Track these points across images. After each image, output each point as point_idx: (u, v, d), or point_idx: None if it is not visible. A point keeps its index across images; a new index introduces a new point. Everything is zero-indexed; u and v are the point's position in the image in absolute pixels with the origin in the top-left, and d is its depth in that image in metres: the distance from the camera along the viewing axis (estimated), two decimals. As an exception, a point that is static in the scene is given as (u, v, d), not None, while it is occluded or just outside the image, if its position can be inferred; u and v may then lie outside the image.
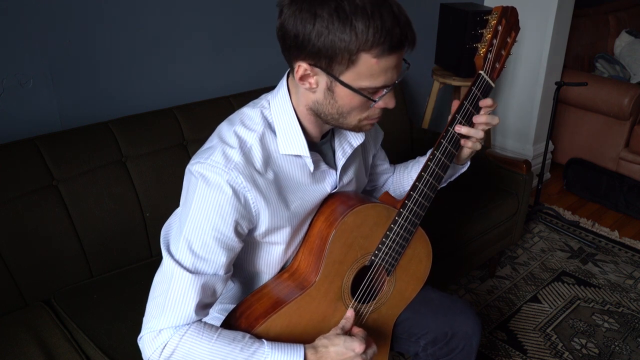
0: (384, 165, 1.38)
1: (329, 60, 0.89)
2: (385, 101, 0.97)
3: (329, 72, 0.91)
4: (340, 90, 0.93)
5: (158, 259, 1.64)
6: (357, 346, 0.96)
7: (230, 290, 1.19)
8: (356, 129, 1.02)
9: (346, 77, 0.91)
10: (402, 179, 1.36)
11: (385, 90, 0.95)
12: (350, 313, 1.04)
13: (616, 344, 1.98)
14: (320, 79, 0.93)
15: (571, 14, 2.87)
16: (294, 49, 0.91)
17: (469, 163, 1.26)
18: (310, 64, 0.91)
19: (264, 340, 0.97)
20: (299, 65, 0.92)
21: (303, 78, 0.94)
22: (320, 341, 0.99)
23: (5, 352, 1.26)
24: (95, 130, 1.59)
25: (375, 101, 0.95)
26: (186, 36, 1.87)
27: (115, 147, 1.59)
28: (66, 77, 1.64)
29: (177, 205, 1.15)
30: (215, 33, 1.94)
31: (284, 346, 0.96)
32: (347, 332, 1.01)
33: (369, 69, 0.89)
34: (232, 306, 1.14)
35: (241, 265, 1.11)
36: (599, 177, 2.98)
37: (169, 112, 1.73)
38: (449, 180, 1.31)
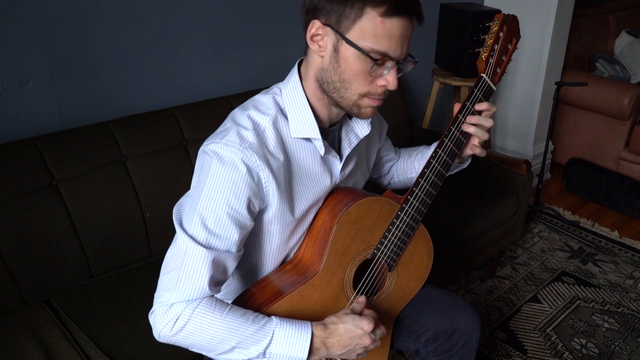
0: (390, 154, 1.42)
1: (339, 16, 0.94)
2: (387, 79, 0.99)
3: (336, 29, 0.95)
4: (344, 50, 0.96)
5: (158, 259, 1.64)
6: (365, 324, 0.98)
7: (231, 284, 1.20)
8: (356, 108, 1.03)
9: (351, 35, 0.95)
10: (405, 166, 1.40)
11: (388, 63, 0.97)
12: (362, 298, 1.06)
13: (616, 344, 1.98)
14: (328, 40, 0.97)
15: (571, 14, 2.87)
16: (311, 10, 0.97)
17: (469, 160, 1.28)
18: (322, 22, 0.96)
19: (272, 316, 0.99)
20: (312, 23, 0.97)
21: (314, 38, 0.98)
22: (329, 319, 1.01)
23: (5, 352, 1.26)
24: (95, 130, 1.59)
25: (375, 61, 0.96)
26: (186, 36, 1.87)
27: (115, 147, 1.59)
28: (66, 77, 1.64)
29: (178, 201, 1.15)
30: (215, 33, 1.94)
31: (292, 320, 0.98)
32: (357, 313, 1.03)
33: (373, 27, 0.93)
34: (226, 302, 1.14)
35: (243, 255, 1.11)
36: (599, 177, 2.98)
37: (169, 112, 1.73)
38: (449, 174, 1.32)
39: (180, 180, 1.68)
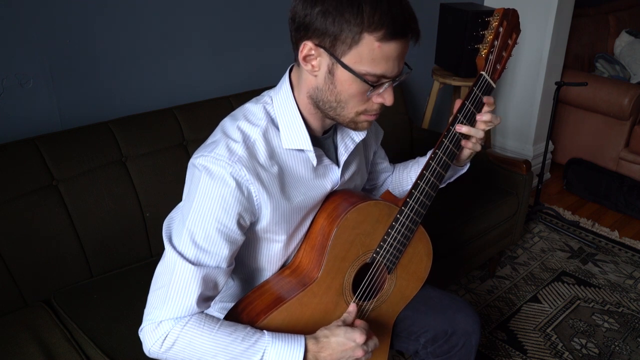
0: (384, 163, 1.38)
1: (333, 39, 0.91)
2: (384, 96, 0.97)
3: (331, 52, 0.92)
4: (340, 73, 0.94)
5: (158, 259, 1.63)
6: (357, 336, 0.97)
7: (230, 288, 1.19)
8: (352, 124, 1.02)
9: (348, 59, 0.92)
10: (401, 178, 1.37)
11: (385, 82, 0.95)
12: (352, 307, 1.05)
13: (616, 344, 1.98)
14: (322, 61, 0.94)
15: (571, 14, 2.87)
16: (302, 29, 0.93)
17: (468, 165, 1.27)
18: (315, 44, 0.93)
19: (264, 330, 0.98)
20: (304, 44, 0.94)
21: (306, 58, 0.95)
22: (321, 332, 0.99)
23: (5, 352, 1.26)
24: (95, 130, 1.59)
25: (372, 86, 0.94)
26: (186, 36, 1.87)
27: (115, 147, 1.59)
28: (66, 77, 1.64)
29: (176, 205, 1.15)
30: (215, 33, 1.94)
31: (284, 336, 0.97)
32: (349, 325, 1.02)
33: (370, 52, 0.91)
34: (231, 304, 1.14)
35: (242, 262, 1.11)
36: (599, 177, 2.98)
37: (169, 112, 1.73)
38: (448, 182, 1.32)
39: (180, 180, 1.66)
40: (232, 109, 1.10)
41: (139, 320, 1.36)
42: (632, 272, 2.40)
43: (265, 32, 2.07)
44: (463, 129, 1.11)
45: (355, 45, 0.90)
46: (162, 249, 1.66)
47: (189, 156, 1.71)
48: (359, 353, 0.98)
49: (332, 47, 0.92)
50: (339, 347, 0.97)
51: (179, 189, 1.65)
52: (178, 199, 1.15)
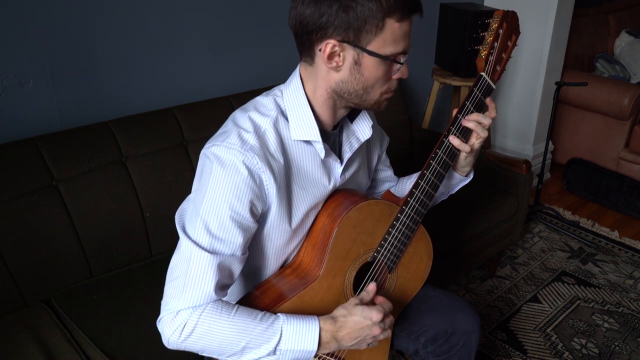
0: (388, 172, 1.39)
1: (357, 32, 0.94)
2: (402, 71, 1.03)
3: (356, 44, 0.95)
4: (367, 61, 0.97)
5: (158, 259, 1.64)
6: (374, 315, 0.99)
7: (232, 286, 1.19)
8: (376, 105, 1.06)
9: (373, 46, 0.96)
10: (404, 189, 1.37)
11: (402, 58, 1.00)
12: (371, 286, 1.06)
13: (616, 344, 1.98)
14: (347, 55, 0.97)
15: (571, 14, 2.87)
16: (319, 30, 0.95)
17: (472, 176, 1.28)
18: (338, 40, 0.95)
19: (278, 313, 1.00)
20: (326, 44, 0.96)
21: (331, 56, 0.97)
22: (338, 311, 1.01)
23: (5, 352, 1.26)
24: (95, 130, 1.59)
25: (401, 63, 1.00)
26: (186, 36, 1.87)
27: (115, 147, 1.59)
28: (66, 77, 1.64)
29: (177, 205, 1.15)
30: (215, 33, 1.94)
31: (298, 316, 0.99)
32: (367, 304, 1.03)
33: (392, 33, 0.96)
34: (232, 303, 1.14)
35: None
36: (599, 177, 2.98)
37: (169, 112, 1.73)
38: (450, 193, 1.32)
39: (180, 180, 1.68)
40: (232, 109, 1.10)
41: (139, 320, 1.36)
42: (632, 272, 2.40)
43: (265, 32, 2.07)
44: (470, 124, 1.13)
45: (380, 32, 0.95)
46: (162, 249, 1.67)
47: (189, 156, 1.72)
48: (376, 331, 1.00)
49: (357, 39, 0.95)
50: (356, 326, 0.99)
51: (179, 189, 1.67)
52: (178, 198, 1.15)
